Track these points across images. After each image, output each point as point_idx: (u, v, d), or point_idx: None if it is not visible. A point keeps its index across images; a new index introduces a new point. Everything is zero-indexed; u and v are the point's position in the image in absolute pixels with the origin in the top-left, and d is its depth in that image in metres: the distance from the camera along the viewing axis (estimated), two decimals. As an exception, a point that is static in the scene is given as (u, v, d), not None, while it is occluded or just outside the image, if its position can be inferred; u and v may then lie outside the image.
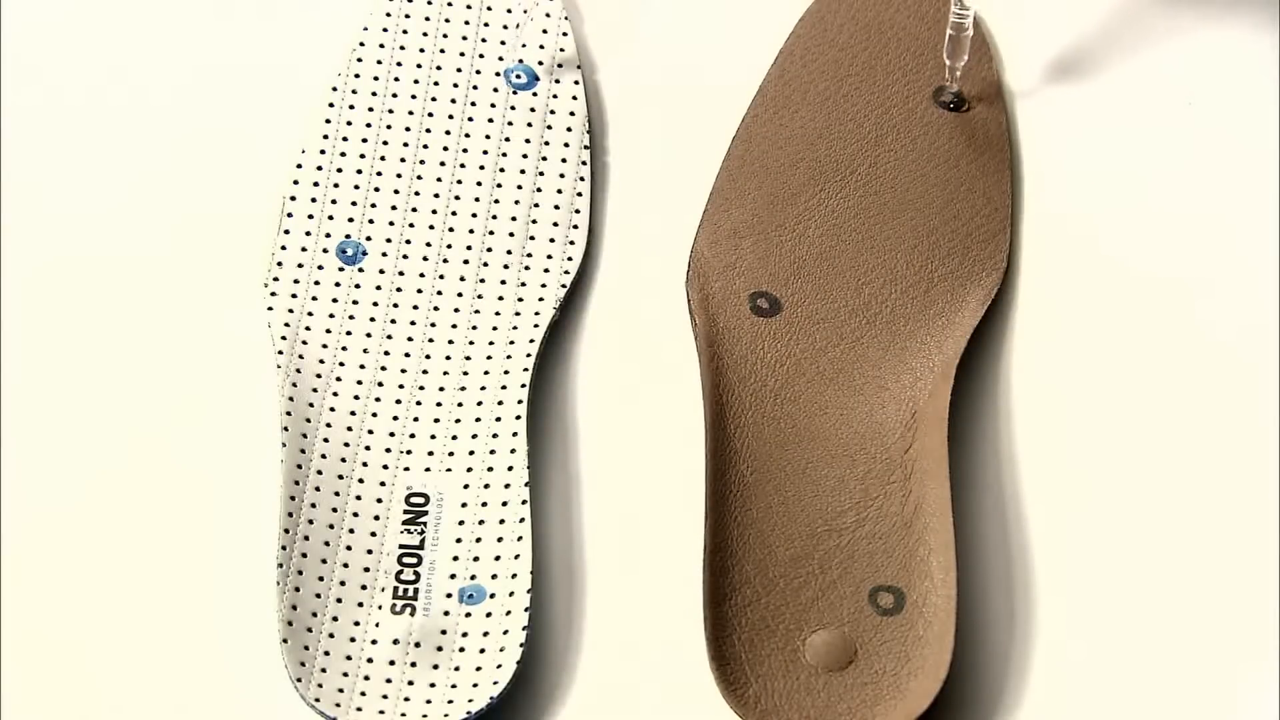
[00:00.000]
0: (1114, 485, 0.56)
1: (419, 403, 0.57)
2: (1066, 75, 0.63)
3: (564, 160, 0.61)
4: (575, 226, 0.60)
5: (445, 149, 0.61)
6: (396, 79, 0.62)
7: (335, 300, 0.59)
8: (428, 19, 0.63)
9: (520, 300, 0.59)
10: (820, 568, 0.54)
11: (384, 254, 0.60)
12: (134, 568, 0.55)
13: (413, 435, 0.57)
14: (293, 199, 0.60)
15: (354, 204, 0.60)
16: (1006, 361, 0.58)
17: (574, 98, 0.62)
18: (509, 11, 0.63)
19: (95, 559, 0.55)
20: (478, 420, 0.57)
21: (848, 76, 0.62)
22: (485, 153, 0.61)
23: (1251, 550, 0.54)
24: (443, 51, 0.63)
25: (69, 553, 0.56)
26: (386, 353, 0.58)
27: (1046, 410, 0.57)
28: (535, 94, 0.62)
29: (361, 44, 0.63)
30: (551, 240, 0.60)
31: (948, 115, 0.61)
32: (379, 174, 0.61)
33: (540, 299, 0.59)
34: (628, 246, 0.61)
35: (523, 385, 0.57)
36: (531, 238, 0.60)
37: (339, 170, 0.61)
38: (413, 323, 0.59)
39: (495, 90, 0.62)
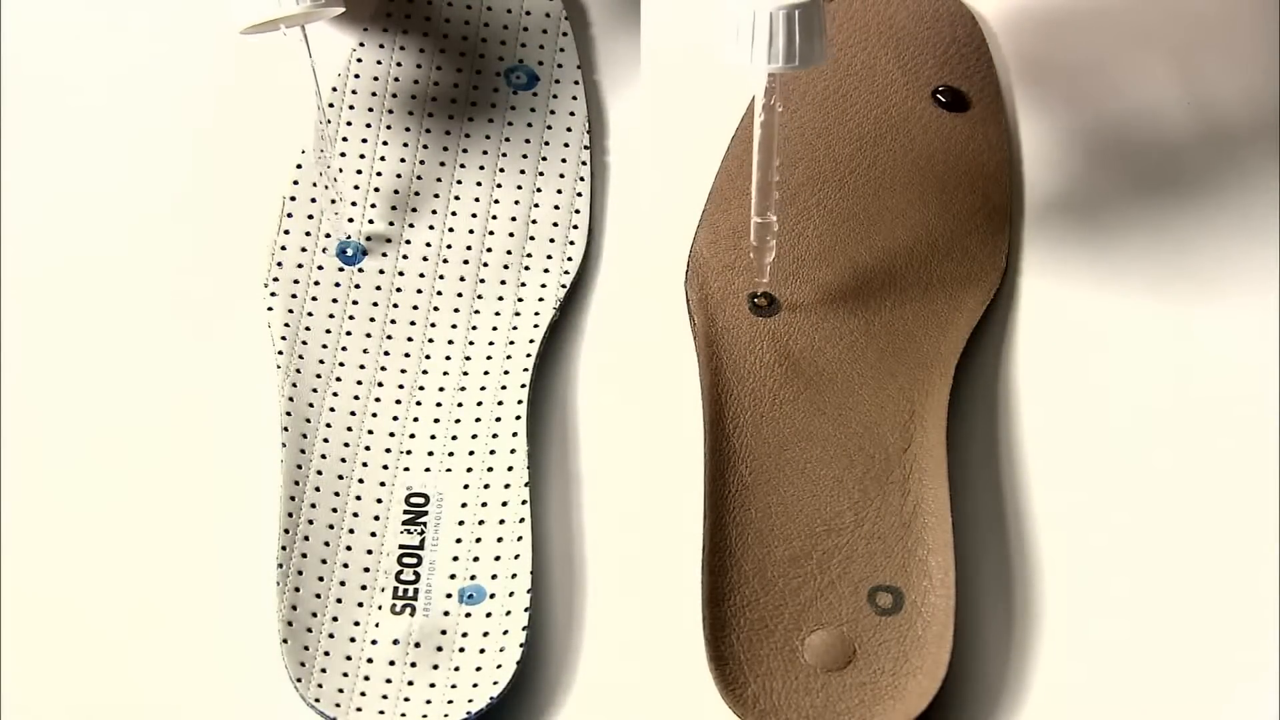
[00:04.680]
0: (1113, 485, 0.56)
1: (419, 403, 0.57)
2: (1066, 76, 0.63)
3: (564, 160, 0.61)
4: (575, 226, 0.60)
5: (445, 149, 0.61)
6: (396, 79, 0.62)
7: (335, 300, 0.59)
8: (428, 19, 0.63)
9: (520, 300, 0.59)
10: (819, 567, 0.54)
11: (384, 254, 0.60)
12: (134, 568, 0.55)
13: (413, 435, 0.57)
14: (293, 199, 0.60)
15: (354, 204, 0.60)
16: (1006, 361, 0.58)
17: (574, 98, 0.62)
18: (509, 11, 0.63)
19: (95, 559, 0.56)
20: (478, 420, 0.57)
21: (847, 76, 0.62)
22: (485, 153, 0.61)
23: (1252, 550, 0.54)
24: (443, 51, 0.63)
25: (69, 553, 0.56)
26: (386, 353, 0.58)
27: (1045, 410, 0.57)
28: (535, 94, 0.62)
29: (361, 44, 0.63)
30: (551, 240, 0.60)
31: (947, 115, 0.61)
32: (379, 174, 0.61)
33: (540, 299, 0.59)
34: (628, 246, 0.61)
35: (523, 385, 0.57)
36: (531, 238, 0.60)
37: (339, 170, 0.61)
38: (413, 323, 0.59)
39: (495, 90, 0.62)
